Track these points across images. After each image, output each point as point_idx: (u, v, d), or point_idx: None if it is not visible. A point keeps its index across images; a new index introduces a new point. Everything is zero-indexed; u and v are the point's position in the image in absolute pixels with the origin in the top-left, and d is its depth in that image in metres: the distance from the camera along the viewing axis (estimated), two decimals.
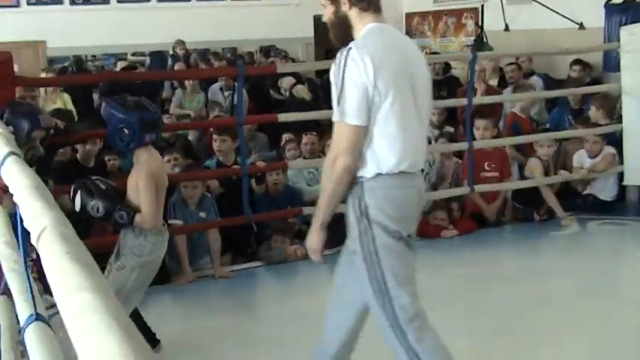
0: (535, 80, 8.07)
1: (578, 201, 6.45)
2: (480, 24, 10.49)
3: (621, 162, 6.41)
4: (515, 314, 4.24)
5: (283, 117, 5.95)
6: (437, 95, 8.18)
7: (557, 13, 8.90)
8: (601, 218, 6.16)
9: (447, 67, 8.93)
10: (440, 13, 11.68)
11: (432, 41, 11.80)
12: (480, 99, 6.71)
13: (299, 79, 9.48)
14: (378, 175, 2.59)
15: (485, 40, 9.95)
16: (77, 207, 3.28)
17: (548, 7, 9.02)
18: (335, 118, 2.56)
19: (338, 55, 2.55)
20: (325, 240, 2.76)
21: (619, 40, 6.49)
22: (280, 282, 5.18)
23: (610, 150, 6.39)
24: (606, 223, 6.09)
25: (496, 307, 4.37)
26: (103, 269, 3.22)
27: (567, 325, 4.05)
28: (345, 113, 2.51)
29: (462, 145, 6.20)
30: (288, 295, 4.87)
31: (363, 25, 2.64)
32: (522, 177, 6.43)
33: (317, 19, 11.82)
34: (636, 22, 7.05)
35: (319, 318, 4.22)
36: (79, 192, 3.29)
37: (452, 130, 7.29)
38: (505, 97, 7.28)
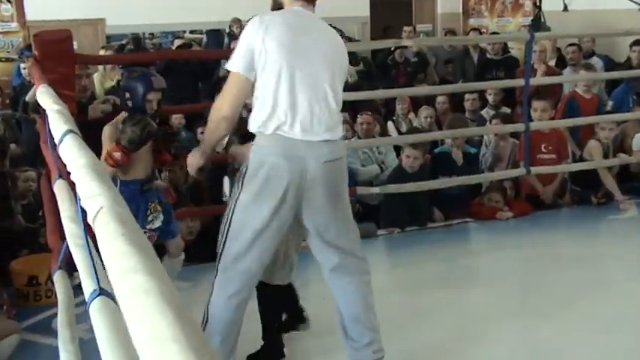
0: (595, 61, 7.87)
1: (637, 185, 6.31)
2: (537, 4, 10.26)
3: None
4: (568, 298, 4.18)
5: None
6: (494, 76, 8.08)
7: None
8: None
9: (505, 47, 8.77)
10: None
11: (489, 21, 11.61)
12: (537, 80, 6.57)
13: (353, 58, 9.41)
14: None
15: (543, 20, 9.73)
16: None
17: None
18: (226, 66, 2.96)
19: None
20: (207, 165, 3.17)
21: None
22: None
23: None
24: None
25: (550, 290, 4.32)
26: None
27: (621, 312, 3.98)
28: (232, 62, 2.88)
29: (519, 127, 6.09)
30: None
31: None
32: (580, 159, 6.30)
33: None
34: None
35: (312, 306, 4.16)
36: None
37: (508, 110, 7.17)
38: (563, 78, 7.12)
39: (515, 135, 6.45)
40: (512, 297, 4.31)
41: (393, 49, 8.96)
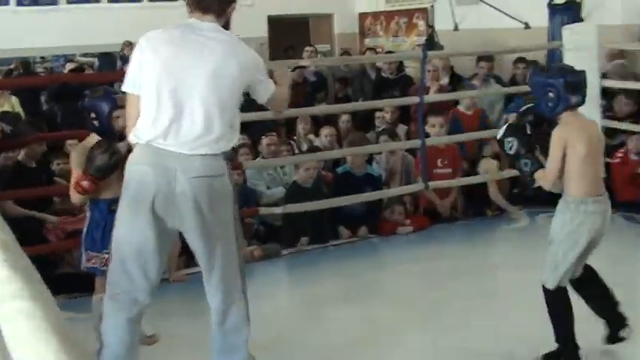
0: (492, 81, 8.21)
1: (530, 193, 6.60)
2: (430, 24, 10.62)
3: None
4: (469, 309, 4.32)
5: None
6: (390, 94, 8.30)
7: (503, 13, 9.06)
8: (550, 211, 6.23)
9: (400, 66, 9.02)
10: (392, 13, 11.79)
11: (384, 41, 11.91)
12: (431, 97, 6.80)
13: None
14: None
15: (436, 39, 10.08)
16: (498, 135, 3.56)
17: (495, 8, 9.18)
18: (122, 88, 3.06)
19: None
20: None
21: (562, 39, 6.63)
22: None
23: None
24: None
25: (450, 301, 4.45)
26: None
27: (519, 320, 4.15)
28: (124, 83, 2.99)
29: (416, 143, 6.26)
30: None
31: None
32: (473, 173, 6.54)
33: (271, 19, 11.86)
34: (577, 21, 7.24)
35: (277, 320, 4.27)
36: (509, 125, 3.57)
37: (405, 128, 7.39)
38: (457, 95, 7.37)
39: (410, 151, 6.63)
40: (414, 309, 4.41)
41: (292, 69, 9.05)
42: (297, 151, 6.72)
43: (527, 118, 3.55)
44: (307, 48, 9.69)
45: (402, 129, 7.41)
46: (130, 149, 3.49)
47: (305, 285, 5.01)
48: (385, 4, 11.89)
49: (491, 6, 9.25)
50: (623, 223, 5.96)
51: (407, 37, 11.44)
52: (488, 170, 6.44)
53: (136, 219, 2.90)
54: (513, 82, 8.06)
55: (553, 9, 7.74)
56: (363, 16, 12.45)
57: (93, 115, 3.56)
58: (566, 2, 7.71)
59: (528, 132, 3.46)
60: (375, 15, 12.14)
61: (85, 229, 3.69)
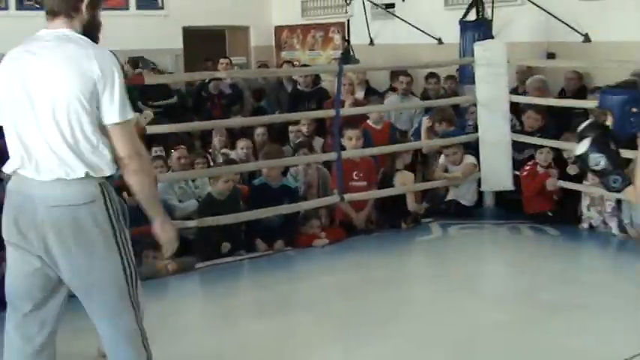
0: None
1: (443, 207, 6.77)
2: (346, 38, 10.76)
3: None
4: (385, 319, 4.37)
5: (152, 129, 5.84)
6: (306, 107, 8.35)
7: (417, 28, 9.28)
8: (461, 223, 6.48)
9: (316, 79, 9.10)
10: (308, 27, 11.89)
11: (301, 54, 11.98)
12: (346, 110, 6.88)
13: (168, 90, 9.36)
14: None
15: (351, 53, 10.22)
16: (580, 151, 3.22)
17: (409, 23, 9.39)
18: None
19: None
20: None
21: (473, 55, 6.84)
22: (150, 298, 5.06)
23: (470, 159, 6.74)
24: (466, 227, 6.41)
25: (367, 312, 4.49)
26: None
27: (433, 328, 4.23)
28: None
29: (332, 155, 6.31)
30: (158, 311, 4.78)
31: None
32: (387, 186, 6.64)
33: (186, 31, 11.74)
34: (488, 38, 7.48)
35: (192, 334, 4.21)
36: (589, 139, 3.20)
37: (321, 141, 7.45)
38: (370, 108, 7.47)
39: (326, 163, 6.67)
40: (331, 321, 4.43)
41: (207, 81, 9.01)
42: (212, 164, 6.67)
43: (595, 132, 3.28)
44: (222, 60, 9.65)
45: (318, 142, 7.46)
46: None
47: (221, 298, 4.96)
48: (301, 17, 11.97)
49: (405, 21, 9.47)
50: (531, 234, 6.17)
51: (323, 51, 11.55)
52: (405, 182, 6.55)
53: (9, 248, 2.68)
54: (425, 96, 8.28)
55: (465, 25, 7.96)
56: (279, 29, 12.50)
57: None
58: (477, 19, 7.95)
59: (612, 147, 3.23)
60: (292, 28, 12.21)
61: None
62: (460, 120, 7.39)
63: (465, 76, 7.69)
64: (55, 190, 2.55)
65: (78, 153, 2.56)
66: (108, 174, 2.63)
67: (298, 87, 8.90)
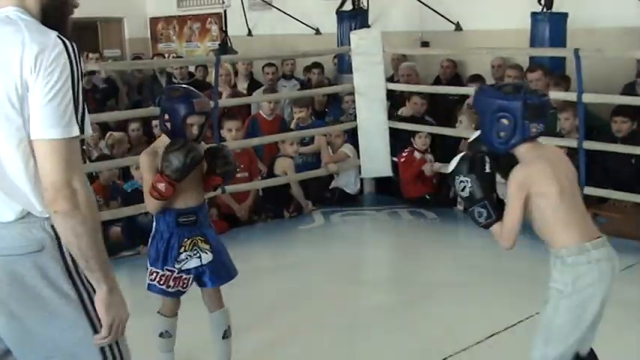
0: (294, 83, 8.38)
1: (327, 195, 6.81)
2: (223, 29, 10.63)
3: None
4: (273, 308, 4.35)
5: None
6: None
7: (295, 19, 9.29)
8: (343, 210, 6.56)
9: (192, 71, 8.94)
10: (184, 18, 11.66)
11: (177, 46, 11.75)
12: (224, 101, 6.78)
13: None
14: None
15: (229, 44, 10.10)
16: (449, 168, 2.65)
17: (286, 13, 9.38)
18: None
19: None
20: None
21: (350, 44, 6.90)
22: None
23: (347, 148, 6.81)
24: (348, 214, 6.49)
25: (253, 302, 4.44)
26: None
27: (318, 313, 4.25)
28: None
29: None
30: None
31: None
32: (272, 175, 6.61)
33: None
34: (365, 27, 7.58)
35: None
36: (463, 157, 2.63)
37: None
38: (251, 99, 7.42)
39: None
40: None
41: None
42: (86, 160, 6.40)
43: (480, 147, 2.71)
44: (91, 55, 9.32)
45: None
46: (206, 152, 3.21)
47: None
48: (177, 8, 11.73)
49: (282, 12, 9.45)
50: (410, 218, 6.31)
51: (200, 43, 11.38)
52: (286, 170, 6.52)
53: None
54: (307, 86, 8.28)
55: (341, 15, 8.04)
56: (154, 20, 12.20)
57: (166, 116, 3.16)
58: (353, 9, 8.05)
59: (487, 169, 2.60)
60: (167, 19, 11.95)
61: (149, 241, 3.28)
62: (333, 109, 7.46)
63: (344, 65, 7.78)
64: None
65: (22, 180, 1.88)
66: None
67: (173, 79, 8.70)
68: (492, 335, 3.82)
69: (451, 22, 7.91)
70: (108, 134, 6.90)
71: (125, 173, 6.34)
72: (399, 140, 6.84)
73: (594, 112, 6.05)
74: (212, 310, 3.41)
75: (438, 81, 7.65)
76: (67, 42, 1.87)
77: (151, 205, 3.17)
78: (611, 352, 2.85)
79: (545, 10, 6.58)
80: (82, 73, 1.88)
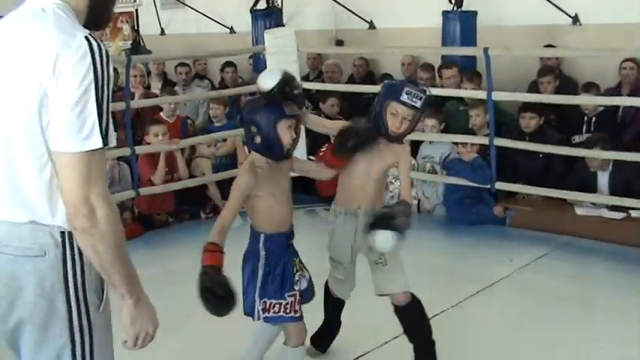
0: (206, 83, 8.28)
1: None
2: (135, 28, 10.43)
3: None
4: (186, 311, 4.27)
5: None
6: None
7: (208, 17, 9.20)
8: None
9: None
10: None
11: None
12: (136, 102, 6.64)
13: None
14: None
15: (142, 44, 9.92)
16: None
17: (199, 12, 9.28)
18: None
19: None
20: None
21: (264, 43, 6.87)
22: None
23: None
24: None
25: (171, 305, 4.35)
26: None
27: (235, 315, 4.19)
28: None
29: (125, 151, 6.01)
30: None
31: None
32: (191, 176, 6.51)
33: None
34: (279, 26, 7.57)
35: None
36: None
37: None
38: (163, 99, 7.27)
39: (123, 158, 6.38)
40: None
41: None
42: None
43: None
44: None
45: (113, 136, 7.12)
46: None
47: None
48: None
49: (195, 10, 9.34)
50: (327, 215, 6.32)
51: (112, 42, 11.11)
52: (204, 170, 6.45)
53: None
54: (222, 86, 8.22)
55: (255, 14, 8.00)
56: None
57: (254, 129, 2.96)
58: (267, 8, 8.02)
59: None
60: None
61: (249, 270, 3.17)
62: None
63: (259, 64, 7.73)
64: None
65: (34, 183, 1.77)
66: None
67: None
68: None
69: (365, 20, 7.98)
70: None
71: None
72: (315, 139, 6.85)
73: (503, 108, 6.22)
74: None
75: (352, 79, 7.71)
76: (93, 44, 1.70)
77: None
78: (519, 339, 2.93)
79: (455, 8, 6.73)
80: (109, 78, 1.73)
